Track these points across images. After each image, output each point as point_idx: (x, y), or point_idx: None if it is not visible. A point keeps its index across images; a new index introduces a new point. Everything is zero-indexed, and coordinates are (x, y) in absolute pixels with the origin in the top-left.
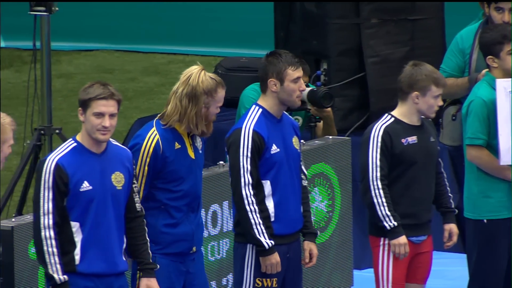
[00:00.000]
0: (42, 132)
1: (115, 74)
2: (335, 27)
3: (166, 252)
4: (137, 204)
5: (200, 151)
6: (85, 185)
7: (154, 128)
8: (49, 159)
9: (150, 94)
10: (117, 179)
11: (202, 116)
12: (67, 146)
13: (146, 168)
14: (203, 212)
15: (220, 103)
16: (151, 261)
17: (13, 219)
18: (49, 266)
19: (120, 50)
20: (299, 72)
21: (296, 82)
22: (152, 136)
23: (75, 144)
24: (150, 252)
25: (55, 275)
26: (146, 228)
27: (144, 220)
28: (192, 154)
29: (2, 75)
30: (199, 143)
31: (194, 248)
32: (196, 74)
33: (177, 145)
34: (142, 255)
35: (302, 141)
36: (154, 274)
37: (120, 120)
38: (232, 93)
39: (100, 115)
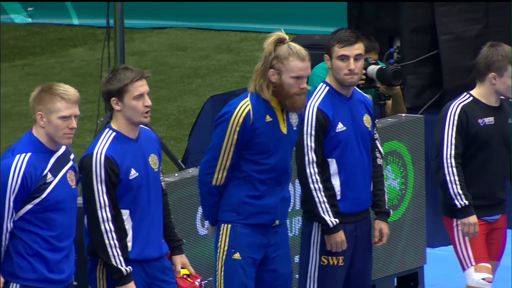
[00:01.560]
0: None
1: (188, 51)
2: (408, 5)
3: (247, 222)
4: (162, 183)
5: (295, 128)
6: (133, 173)
7: (248, 98)
8: (97, 153)
9: (223, 71)
10: (153, 161)
11: (266, 78)
12: (108, 136)
13: (235, 136)
14: None
15: (293, 73)
16: (179, 238)
17: None
18: (112, 259)
19: (193, 27)
20: (347, 51)
21: (342, 59)
22: (244, 106)
23: (114, 133)
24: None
25: (121, 267)
26: (169, 207)
27: (167, 199)
28: (284, 129)
29: (76, 53)
30: (294, 119)
31: (277, 222)
32: (268, 37)
33: (268, 118)
34: (171, 232)
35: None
36: (183, 250)
37: (192, 97)
38: None
39: (141, 96)
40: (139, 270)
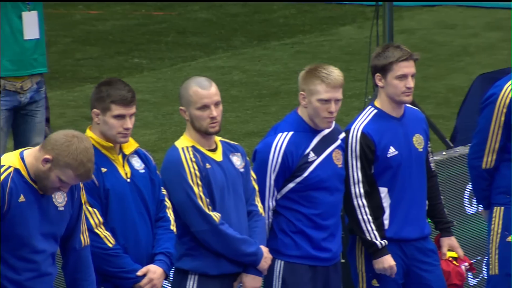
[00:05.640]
0: None
1: (457, 29)
2: None
3: None
4: (431, 164)
5: None
6: (392, 151)
7: None
8: (354, 128)
9: (492, 49)
10: (418, 141)
11: None
12: (368, 113)
13: (503, 118)
14: None
15: None
16: (448, 220)
17: None
18: (366, 233)
19: (463, 5)
20: None
21: None
22: (511, 86)
23: (375, 110)
24: (445, 210)
25: (375, 240)
26: (439, 187)
27: (437, 180)
28: None
29: (344, 31)
30: None
31: None
32: None
33: None
34: (439, 214)
35: None
36: (452, 232)
37: (461, 76)
38: None
39: (404, 77)
40: (396, 249)
